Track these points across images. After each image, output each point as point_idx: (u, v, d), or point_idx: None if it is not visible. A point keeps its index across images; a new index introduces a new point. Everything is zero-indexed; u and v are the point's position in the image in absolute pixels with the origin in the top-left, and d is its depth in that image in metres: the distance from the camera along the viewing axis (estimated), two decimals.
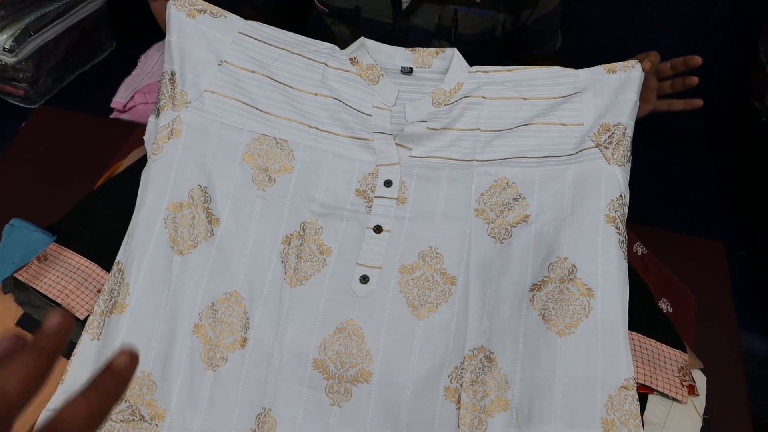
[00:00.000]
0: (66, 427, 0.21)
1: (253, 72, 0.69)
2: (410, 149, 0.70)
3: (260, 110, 0.69)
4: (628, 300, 0.58)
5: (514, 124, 0.68)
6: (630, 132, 0.65)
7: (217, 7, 0.70)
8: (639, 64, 0.66)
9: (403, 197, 0.67)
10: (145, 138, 0.69)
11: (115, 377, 0.23)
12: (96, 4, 1.19)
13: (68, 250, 0.64)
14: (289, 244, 0.64)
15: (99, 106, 1.08)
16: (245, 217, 0.65)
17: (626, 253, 0.60)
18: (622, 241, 0.61)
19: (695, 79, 0.68)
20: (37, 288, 0.60)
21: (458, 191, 0.67)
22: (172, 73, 0.68)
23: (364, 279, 0.62)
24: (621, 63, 0.67)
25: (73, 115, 0.95)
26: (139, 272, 0.60)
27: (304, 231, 0.64)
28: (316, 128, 0.69)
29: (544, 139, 0.67)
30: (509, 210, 0.65)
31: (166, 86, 0.68)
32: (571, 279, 0.58)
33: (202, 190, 0.65)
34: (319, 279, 0.62)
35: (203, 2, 0.70)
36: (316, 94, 0.69)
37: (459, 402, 0.54)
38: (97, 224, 0.66)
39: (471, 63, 0.88)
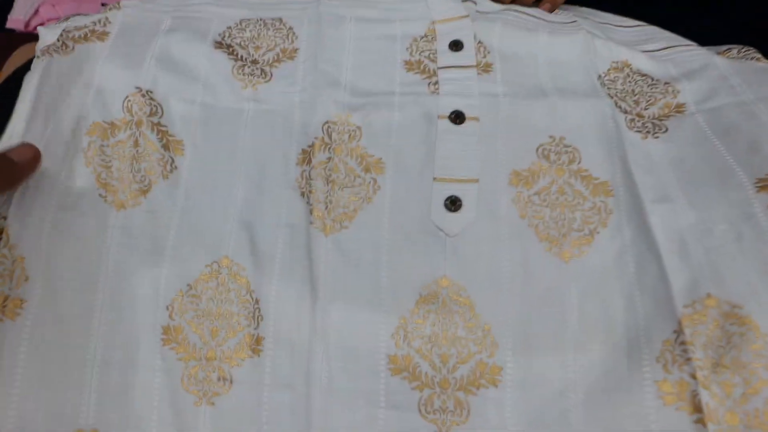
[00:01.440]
0: None
1: None
2: (475, 2, 0.43)
3: None
4: None
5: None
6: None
7: None
8: None
9: (487, 63, 0.40)
10: (38, 46, 0.43)
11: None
12: None
13: None
14: (309, 163, 0.37)
15: None
16: (228, 132, 0.39)
17: None
18: None
19: None
20: None
21: (568, 57, 0.42)
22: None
23: (454, 203, 0.35)
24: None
25: None
26: (40, 243, 0.32)
27: (330, 137, 0.37)
28: None
29: (657, 32, 0.48)
30: (648, 101, 0.41)
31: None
32: None
33: (145, 97, 0.38)
34: (372, 214, 0.35)
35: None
36: None
37: (694, 407, 0.28)
38: None
39: None
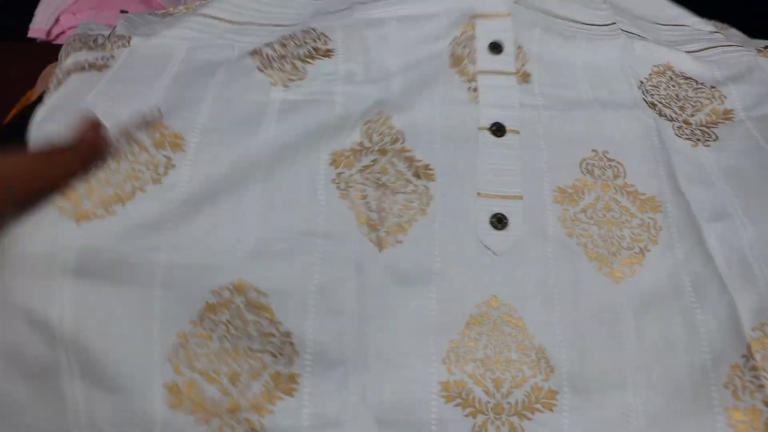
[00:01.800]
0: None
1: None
2: None
3: (261, 24, 0.42)
4: None
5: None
6: None
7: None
8: None
9: (525, 73, 0.39)
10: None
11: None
12: None
13: None
14: (351, 166, 0.34)
15: (12, 37, 0.76)
16: (247, 125, 0.33)
17: None
18: None
19: None
20: None
21: (607, 63, 0.41)
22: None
23: (500, 221, 0.33)
24: None
25: None
26: None
27: (371, 139, 0.35)
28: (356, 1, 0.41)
29: (693, 34, 0.46)
30: (694, 107, 0.39)
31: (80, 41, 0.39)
32: None
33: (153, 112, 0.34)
34: (425, 228, 0.33)
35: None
36: None
37: None
38: None
39: None
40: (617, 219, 0.34)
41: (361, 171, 0.34)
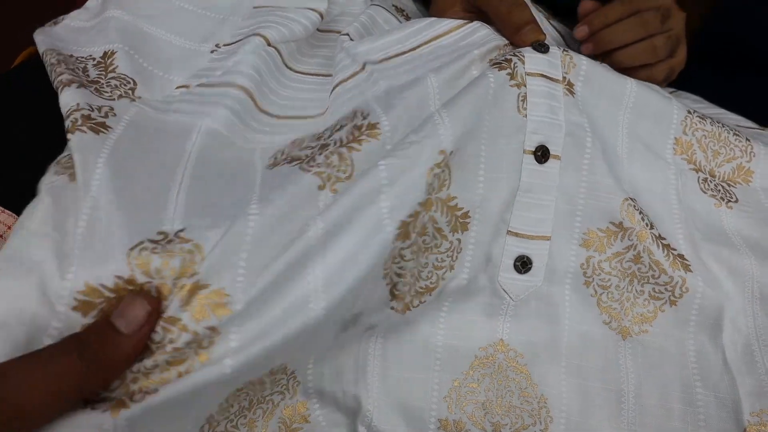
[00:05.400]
0: None
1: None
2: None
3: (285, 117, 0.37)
4: None
5: None
6: None
7: None
8: None
9: (570, 82, 0.35)
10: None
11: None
12: None
13: None
14: (407, 237, 0.29)
15: None
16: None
17: None
18: None
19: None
20: None
21: (651, 100, 0.37)
22: (105, 54, 0.36)
23: (524, 264, 0.33)
24: None
25: None
26: None
27: (432, 186, 0.29)
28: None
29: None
30: (727, 156, 0.37)
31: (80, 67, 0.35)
32: None
33: (162, 242, 0.27)
34: (451, 283, 0.33)
35: None
36: None
37: None
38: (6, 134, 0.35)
39: None
40: (643, 274, 0.33)
41: (413, 245, 0.30)
